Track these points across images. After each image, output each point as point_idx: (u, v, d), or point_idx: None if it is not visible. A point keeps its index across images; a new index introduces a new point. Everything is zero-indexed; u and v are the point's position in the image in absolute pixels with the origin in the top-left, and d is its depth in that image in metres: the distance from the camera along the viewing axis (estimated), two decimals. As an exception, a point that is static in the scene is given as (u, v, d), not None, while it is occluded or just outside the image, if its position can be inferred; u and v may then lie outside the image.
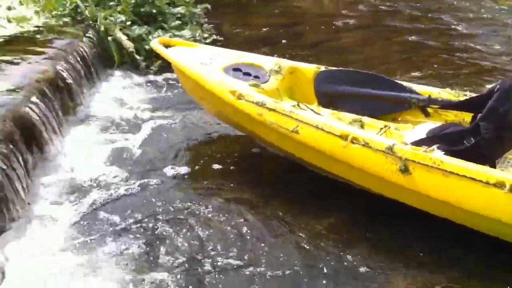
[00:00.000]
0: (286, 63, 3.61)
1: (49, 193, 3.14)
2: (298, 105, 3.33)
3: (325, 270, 2.59)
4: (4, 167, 2.86)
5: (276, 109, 2.99)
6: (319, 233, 2.84)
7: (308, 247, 2.74)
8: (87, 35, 4.84)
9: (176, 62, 3.55)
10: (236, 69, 3.49)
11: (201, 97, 3.61)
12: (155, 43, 3.78)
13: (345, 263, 2.64)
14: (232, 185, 3.27)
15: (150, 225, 2.91)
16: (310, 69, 3.59)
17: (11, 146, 3.03)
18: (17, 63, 3.97)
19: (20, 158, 3.09)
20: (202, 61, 3.50)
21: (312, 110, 3.35)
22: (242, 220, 2.95)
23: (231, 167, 3.47)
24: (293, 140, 2.97)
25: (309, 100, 3.52)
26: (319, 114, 3.31)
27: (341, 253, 2.70)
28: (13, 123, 3.15)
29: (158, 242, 2.78)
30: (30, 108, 3.37)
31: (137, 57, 5.07)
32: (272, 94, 3.31)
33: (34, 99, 3.46)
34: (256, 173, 3.41)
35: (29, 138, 3.26)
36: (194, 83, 3.43)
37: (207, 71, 3.38)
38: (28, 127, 3.29)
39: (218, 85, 3.26)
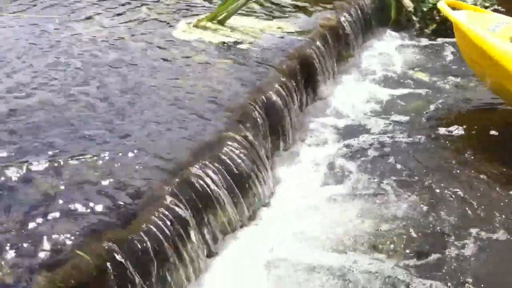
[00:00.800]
0: None
1: (317, 129, 3.41)
2: None
3: None
4: (285, 97, 3.20)
5: None
6: None
7: None
8: (370, -10, 4.98)
9: (461, 24, 3.47)
10: (527, 40, 3.28)
11: (480, 65, 3.48)
12: (443, 3, 3.74)
13: None
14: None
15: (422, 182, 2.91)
16: None
17: (293, 81, 3.37)
18: (305, 9, 4.33)
19: (298, 93, 3.42)
20: (489, 28, 3.37)
21: None
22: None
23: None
24: None
25: None
26: None
27: None
28: (297, 62, 3.49)
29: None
30: (313, 50, 3.68)
31: (414, 17, 5.07)
32: None
33: (317, 43, 3.76)
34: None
35: (307, 77, 3.57)
36: (477, 50, 3.32)
37: (493, 39, 3.25)
38: (309, 67, 3.60)
39: (503, 54, 3.11)
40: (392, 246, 2.44)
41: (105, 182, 2.13)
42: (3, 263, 1.75)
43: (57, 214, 1.95)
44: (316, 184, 2.88)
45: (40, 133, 2.39)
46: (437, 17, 4.96)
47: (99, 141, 2.37)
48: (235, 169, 2.49)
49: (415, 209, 2.68)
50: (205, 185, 2.30)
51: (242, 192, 2.50)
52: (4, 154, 2.24)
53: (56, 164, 2.19)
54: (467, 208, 2.69)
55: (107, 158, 2.26)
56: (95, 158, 2.24)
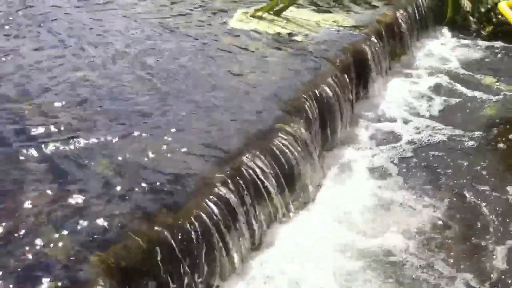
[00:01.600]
0: None
1: (364, 126, 3.37)
2: None
3: None
4: (338, 91, 3.17)
5: None
6: None
7: None
8: (429, -12, 4.89)
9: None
10: None
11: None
12: (503, 5, 3.63)
13: None
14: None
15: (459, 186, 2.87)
16: None
17: (346, 75, 3.33)
18: (362, 3, 4.28)
19: (349, 87, 3.38)
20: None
21: None
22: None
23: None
24: None
25: None
26: None
27: None
28: (351, 56, 3.46)
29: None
30: (368, 45, 3.63)
31: (471, 18, 4.94)
32: None
33: (372, 39, 3.71)
34: None
35: (360, 72, 3.53)
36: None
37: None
38: (363, 62, 3.56)
39: None
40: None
41: (159, 168, 2.16)
42: (59, 241, 1.80)
43: (112, 196, 2.00)
44: (364, 184, 2.84)
45: (100, 118, 2.44)
46: (494, 19, 4.83)
47: (155, 126, 2.41)
48: (284, 162, 2.48)
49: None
50: (254, 175, 2.31)
51: (289, 185, 2.50)
52: (62, 130, 2.31)
53: (112, 147, 2.24)
54: None
55: (161, 143, 2.29)
56: (150, 142, 2.28)
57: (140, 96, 2.64)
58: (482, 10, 4.95)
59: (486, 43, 4.85)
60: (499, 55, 4.62)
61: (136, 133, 2.34)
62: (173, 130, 2.40)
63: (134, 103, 2.57)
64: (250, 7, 3.85)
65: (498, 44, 4.77)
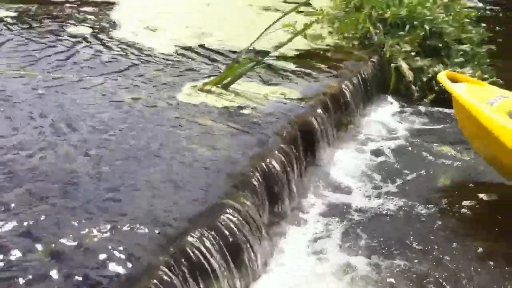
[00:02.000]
0: None
1: (312, 197, 3.41)
2: None
3: None
4: (285, 163, 3.21)
5: None
6: None
7: None
8: (371, 59, 5.11)
9: (459, 97, 3.54)
10: (523, 115, 3.33)
11: (477, 138, 3.54)
12: (442, 75, 3.82)
13: None
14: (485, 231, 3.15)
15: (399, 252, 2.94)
16: None
17: (293, 147, 3.39)
18: (308, 75, 4.43)
19: (297, 159, 3.43)
20: (488, 101, 3.43)
21: None
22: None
23: (489, 212, 3.33)
24: None
25: None
26: None
27: None
28: (298, 129, 3.53)
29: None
30: (314, 117, 3.72)
31: (413, 87, 5.17)
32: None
33: (318, 110, 3.81)
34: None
35: (307, 144, 3.60)
36: (474, 122, 3.38)
37: (490, 112, 3.30)
38: (309, 133, 3.64)
39: (500, 129, 3.17)
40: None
41: (95, 253, 2.10)
42: None
43: None
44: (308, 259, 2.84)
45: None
46: (436, 87, 5.07)
47: (92, 205, 2.36)
48: (231, 240, 2.47)
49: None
50: (200, 255, 2.28)
51: (236, 262, 2.47)
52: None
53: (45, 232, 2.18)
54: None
55: (98, 224, 2.24)
56: (85, 224, 2.23)
57: (77, 172, 2.59)
58: (424, 79, 5.20)
59: (429, 109, 5.07)
60: (442, 121, 4.82)
61: (71, 216, 2.28)
62: (113, 209, 2.35)
63: (71, 182, 2.52)
64: (199, 80, 3.92)
65: (441, 110, 5.00)
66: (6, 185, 2.44)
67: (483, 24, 6.38)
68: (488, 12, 10.13)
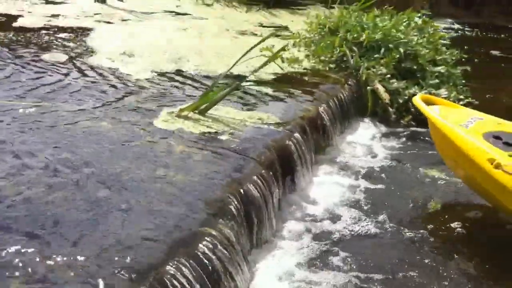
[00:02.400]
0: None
1: (292, 223, 3.39)
2: None
3: None
4: (264, 189, 3.20)
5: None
6: None
7: None
8: (348, 82, 5.16)
9: (435, 119, 3.58)
10: (497, 137, 3.37)
11: (454, 160, 3.57)
12: (417, 99, 3.86)
13: None
14: (465, 253, 3.16)
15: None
16: None
17: (271, 172, 3.38)
18: (285, 99, 4.44)
19: (275, 184, 3.42)
20: (462, 123, 3.47)
21: None
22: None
23: (468, 235, 3.34)
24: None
25: None
26: None
27: None
28: (276, 153, 3.53)
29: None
30: (292, 141, 3.72)
31: (390, 109, 5.22)
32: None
33: (296, 134, 3.82)
34: (495, 249, 3.23)
35: (286, 168, 3.59)
36: (450, 144, 3.41)
37: (465, 134, 3.35)
38: (287, 158, 3.64)
39: (475, 150, 3.21)
40: None
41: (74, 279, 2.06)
42: None
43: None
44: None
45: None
46: (413, 109, 5.12)
47: (65, 236, 2.31)
48: (210, 268, 2.43)
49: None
50: (179, 285, 2.24)
51: (216, 291, 2.44)
52: None
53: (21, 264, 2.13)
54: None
55: (73, 257, 2.19)
56: (59, 257, 2.18)
57: (53, 204, 2.54)
58: (400, 101, 5.26)
59: (407, 131, 5.13)
60: (420, 142, 4.87)
61: (44, 247, 2.23)
62: (86, 239, 2.30)
63: (42, 213, 2.47)
64: (176, 105, 3.90)
65: (419, 130, 5.05)
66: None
67: (457, 46, 6.49)
68: (463, 33, 10.38)
